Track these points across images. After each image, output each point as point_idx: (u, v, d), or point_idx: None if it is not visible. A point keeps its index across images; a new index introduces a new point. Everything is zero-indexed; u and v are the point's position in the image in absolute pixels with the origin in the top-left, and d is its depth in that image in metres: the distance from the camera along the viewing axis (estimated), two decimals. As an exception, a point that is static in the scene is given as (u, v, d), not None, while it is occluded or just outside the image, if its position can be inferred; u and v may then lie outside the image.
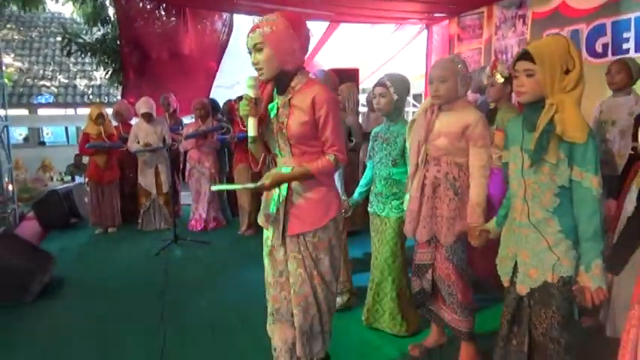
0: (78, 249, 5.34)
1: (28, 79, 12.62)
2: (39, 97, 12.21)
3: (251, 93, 2.07)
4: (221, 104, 6.53)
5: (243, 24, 7.80)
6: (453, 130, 2.40)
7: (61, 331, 3.30)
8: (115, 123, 6.28)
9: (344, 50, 7.65)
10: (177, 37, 7.41)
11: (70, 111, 13.42)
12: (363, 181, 3.17)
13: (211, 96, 7.56)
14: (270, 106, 2.13)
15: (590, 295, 1.72)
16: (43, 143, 14.52)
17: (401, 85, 2.89)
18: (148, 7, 7.03)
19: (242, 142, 5.42)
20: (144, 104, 5.75)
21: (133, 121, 6.28)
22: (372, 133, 3.07)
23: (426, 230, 2.51)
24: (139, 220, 5.99)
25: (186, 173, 5.95)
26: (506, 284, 2.00)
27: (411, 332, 3.01)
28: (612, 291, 2.73)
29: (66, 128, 14.62)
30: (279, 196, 2.17)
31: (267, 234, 2.26)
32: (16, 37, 13.91)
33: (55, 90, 12.50)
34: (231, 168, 6.14)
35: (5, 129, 6.37)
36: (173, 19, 7.47)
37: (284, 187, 2.16)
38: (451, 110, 2.45)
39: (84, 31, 8.56)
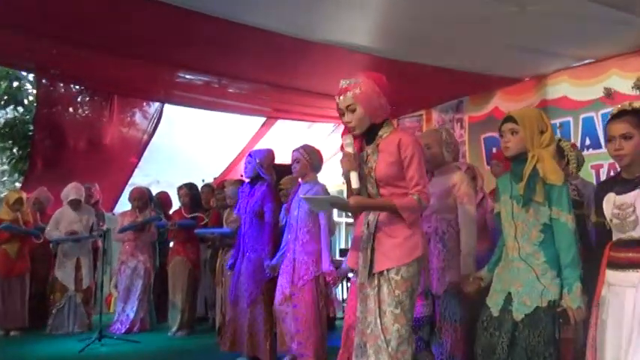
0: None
1: None
2: None
3: (350, 150, 2.66)
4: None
5: (173, 115, 8.64)
6: (442, 190, 3.18)
7: None
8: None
9: (281, 147, 8.60)
10: (99, 125, 7.93)
11: None
12: None
13: (125, 192, 8.08)
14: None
15: (573, 314, 2.42)
16: None
17: None
18: (73, 90, 7.71)
19: (182, 231, 5.98)
20: (73, 190, 6.13)
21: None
22: None
23: (420, 283, 3.01)
24: (49, 322, 6.09)
25: (116, 268, 6.26)
26: (495, 314, 2.63)
27: None
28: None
29: None
30: (368, 234, 2.69)
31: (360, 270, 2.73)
32: None
33: None
34: (162, 263, 6.56)
35: None
36: (93, 105, 8.12)
37: (372, 226, 2.69)
38: (441, 174, 3.28)
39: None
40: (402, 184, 2.67)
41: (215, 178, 8.28)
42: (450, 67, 5.64)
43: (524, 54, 5.32)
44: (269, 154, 4.77)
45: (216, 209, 6.09)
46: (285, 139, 8.62)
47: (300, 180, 4.42)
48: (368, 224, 2.73)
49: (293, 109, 7.75)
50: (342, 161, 2.70)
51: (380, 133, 2.72)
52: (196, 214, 6.02)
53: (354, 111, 2.65)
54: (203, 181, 7.53)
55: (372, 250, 2.67)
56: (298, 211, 4.21)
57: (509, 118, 2.66)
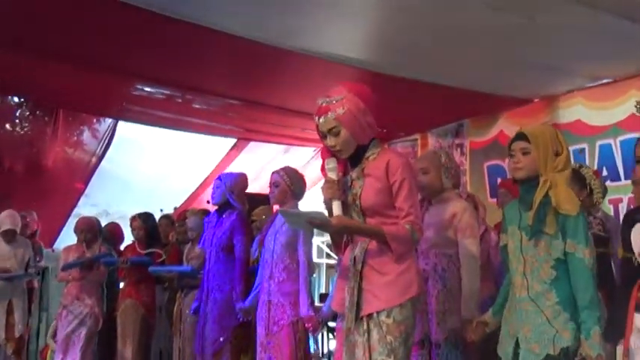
0: None
1: None
2: None
3: (333, 175, 2.66)
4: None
5: (128, 135, 8.63)
6: (440, 221, 3.22)
7: None
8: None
9: (253, 174, 8.60)
10: (40, 144, 7.88)
11: None
12: None
13: (68, 224, 7.98)
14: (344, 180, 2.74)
15: None
16: None
17: None
18: (11, 103, 7.66)
19: (135, 270, 5.91)
20: (7, 219, 6.00)
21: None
22: None
23: (417, 329, 3.00)
24: (-28, 379, 5.95)
25: (55, 314, 6.11)
26: None
27: None
28: None
29: None
30: (354, 271, 2.67)
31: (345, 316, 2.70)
32: None
33: None
34: (110, 308, 6.43)
35: None
36: (34, 121, 8.06)
37: (359, 261, 2.68)
38: (439, 203, 3.31)
39: None
40: (392, 213, 2.68)
41: (175, 209, 8.24)
42: (449, 84, 5.73)
43: (533, 72, 5.42)
44: (241, 178, 4.76)
45: (177, 244, 6.04)
46: (258, 165, 8.65)
47: (276, 208, 4.39)
48: (355, 259, 2.71)
49: (268, 129, 7.82)
50: (323, 188, 2.70)
51: (367, 154, 2.74)
52: (152, 249, 5.94)
53: (337, 134, 2.64)
54: (161, 211, 7.49)
55: (360, 289, 2.66)
56: (274, 245, 4.15)
57: (520, 136, 2.70)
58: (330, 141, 2.67)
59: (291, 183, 4.24)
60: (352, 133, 2.65)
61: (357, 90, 2.72)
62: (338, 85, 2.75)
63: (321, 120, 2.67)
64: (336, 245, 2.92)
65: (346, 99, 2.65)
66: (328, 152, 2.74)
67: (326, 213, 2.72)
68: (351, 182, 2.74)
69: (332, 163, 2.69)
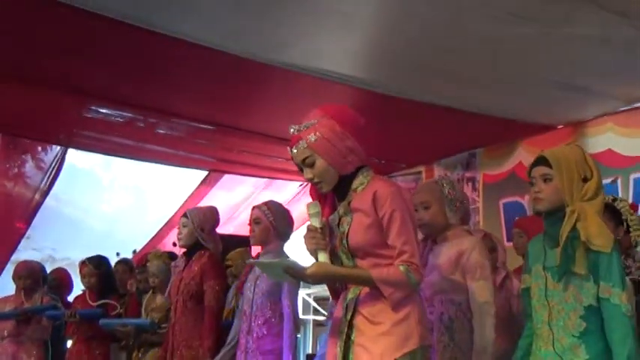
0: None
1: None
2: None
3: (316, 223, 2.65)
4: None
5: (78, 165, 8.60)
6: (445, 261, 3.23)
7: None
8: None
9: (227, 213, 8.58)
10: (-27, 175, 7.90)
11: None
12: None
13: (6, 272, 7.91)
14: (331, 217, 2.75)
15: None
16: None
17: None
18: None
19: (85, 324, 5.77)
20: None
21: None
22: None
23: None
24: None
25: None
26: None
27: None
28: None
29: None
30: (344, 321, 2.66)
31: None
32: None
33: None
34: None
35: None
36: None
37: (350, 309, 2.66)
38: (445, 241, 3.32)
39: None
40: (386, 252, 2.65)
41: (135, 252, 8.18)
42: (458, 107, 5.74)
43: (556, 93, 5.44)
44: (211, 212, 4.76)
45: (136, 294, 5.97)
46: (233, 202, 8.61)
47: (257, 250, 4.37)
48: (346, 307, 2.72)
49: (245, 159, 7.79)
50: (305, 238, 2.70)
51: (354, 185, 2.73)
52: (106, 300, 5.87)
53: (312, 165, 2.65)
54: (118, 255, 7.43)
55: (349, 341, 2.66)
56: (254, 294, 4.15)
57: (541, 160, 2.71)
58: (307, 173, 2.68)
59: (274, 220, 4.23)
60: (329, 161, 2.65)
61: (334, 112, 2.72)
62: (315, 108, 2.76)
63: (294, 151, 2.69)
64: (333, 291, 2.94)
65: (319, 123, 2.65)
66: (316, 191, 2.77)
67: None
68: (339, 219, 2.74)
69: (314, 209, 2.70)
